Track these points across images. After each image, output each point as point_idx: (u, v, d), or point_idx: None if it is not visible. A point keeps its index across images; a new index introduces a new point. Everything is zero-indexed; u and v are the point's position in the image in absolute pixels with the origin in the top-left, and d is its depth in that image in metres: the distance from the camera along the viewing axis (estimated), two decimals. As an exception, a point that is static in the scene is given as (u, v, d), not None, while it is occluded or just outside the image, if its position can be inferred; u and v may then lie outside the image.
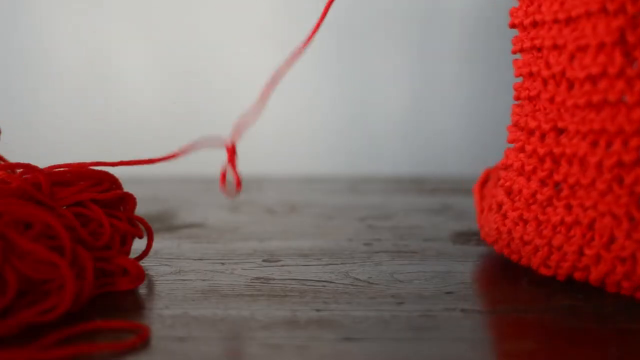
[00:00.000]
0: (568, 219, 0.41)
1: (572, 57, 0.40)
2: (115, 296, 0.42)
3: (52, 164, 0.45)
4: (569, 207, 0.41)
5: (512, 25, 0.44)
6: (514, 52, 0.45)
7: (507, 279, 0.44)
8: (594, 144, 0.39)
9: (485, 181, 0.51)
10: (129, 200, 0.45)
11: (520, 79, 0.45)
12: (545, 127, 0.42)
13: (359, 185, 0.69)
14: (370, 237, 0.52)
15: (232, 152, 0.43)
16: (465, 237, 0.52)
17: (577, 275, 0.41)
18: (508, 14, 0.45)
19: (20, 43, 0.77)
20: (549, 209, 0.42)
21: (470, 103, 0.76)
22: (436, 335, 0.37)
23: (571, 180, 0.41)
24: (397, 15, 0.75)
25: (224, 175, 0.43)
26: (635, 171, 0.38)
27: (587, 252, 0.40)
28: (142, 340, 0.36)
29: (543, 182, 0.42)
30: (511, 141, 0.45)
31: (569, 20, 0.40)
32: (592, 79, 0.39)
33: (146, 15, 0.76)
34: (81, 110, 0.78)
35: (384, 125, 0.77)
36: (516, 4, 0.45)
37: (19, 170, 0.42)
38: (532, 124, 0.43)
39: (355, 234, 0.53)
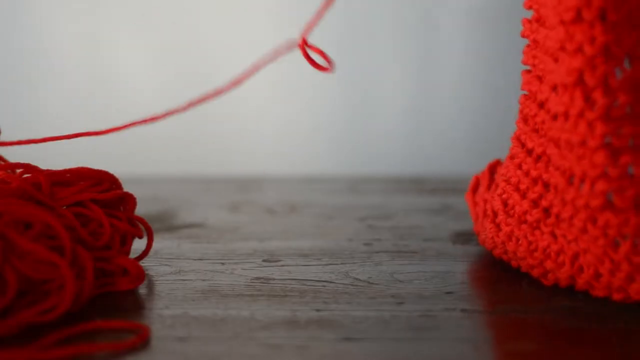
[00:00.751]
0: (554, 247, 0.40)
1: (553, 89, 0.39)
2: (115, 296, 0.42)
3: (52, 164, 0.45)
4: (554, 235, 0.40)
5: (524, 36, 0.43)
6: (525, 64, 0.43)
7: (507, 279, 0.44)
8: (569, 181, 0.38)
9: (475, 188, 0.50)
10: (129, 200, 0.45)
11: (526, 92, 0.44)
12: (538, 150, 0.41)
13: (359, 185, 0.69)
14: (370, 237, 0.52)
15: (304, 48, 0.44)
16: (465, 237, 0.52)
17: (577, 288, 0.41)
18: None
19: (20, 43, 0.77)
20: (537, 232, 0.41)
21: (470, 103, 0.76)
22: (436, 335, 0.37)
23: (555, 209, 0.40)
24: (397, 15, 0.75)
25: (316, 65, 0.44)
26: (604, 215, 0.37)
27: (579, 280, 0.40)
28: (142, 340, 0.36)
29: (534, 204, 0.41)
30: (512, 154, 0.44)
31: (549, 52, 0.39)
32: (564, 116, 0.38)
33: (147, 16, 0.76)
34: (81, 110, 0.78)
35: (384, 125, 0.77)
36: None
37: (19, 170, 0.42)
38: (530, 144, 0.42)
39: (355, 234, 0.53)
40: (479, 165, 0.54)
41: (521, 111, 0.43)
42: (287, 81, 0.76)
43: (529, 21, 0.42)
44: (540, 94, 0.41)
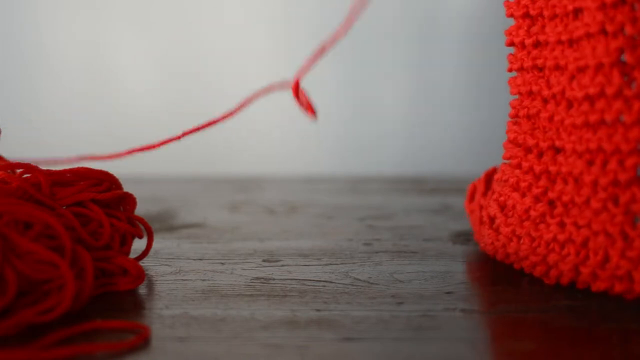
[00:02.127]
0: (561, 237, 0.41)
1: (572, 78, 0.40)
2: (115, 296, 0.42)
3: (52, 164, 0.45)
4: (562, 225, 0.41)
5: (510, 44, 0.45)
6: (511, 70, 0.45)
7: (507, 279, 0.44)
8: (590, 163, 0.40)
9: (472, 196, 0.51)
10: (129, 200, 0.45)
11: (516, 97, 0.45)
12: (543, 145, 0.42)
13: (359, 185, 0.69)
14: (370, 237, 0.52)
15: (296, 88, 0.45)
16: (465, 237, 0.52)
17: (579, 285, 0.41)
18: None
19: (20, 43, 0.77)
20: (542, 226, 0.42)
21: (470, 103, 0.76)
22: (436, 335, 0.37)
23: (565, 198, 0.41)
24: (397, 16, 0.75)
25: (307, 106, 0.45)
26: (631, 190, 0.38)
27: (583, 270, 0.40)
28: (142, 340, 0.36)
29: (537, 199, 0.42)
30: (508, 158, 0.45)
31: (571, 42, 0.41)
32: (590, 99, 0.39)
33: (147, 16, 0.76)
34: (81, 110, 0.78)
35: (384, 125, 0.77)
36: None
37: (19, 170, 0.42)
38: (530, 141, 0.43)
39: (355, 234, 0.53)
40: (479, 166, 0.54)
41: (514, 115, 0.45)
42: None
43: (519, 27, 0.44)
44: (547, 90, 0.42)
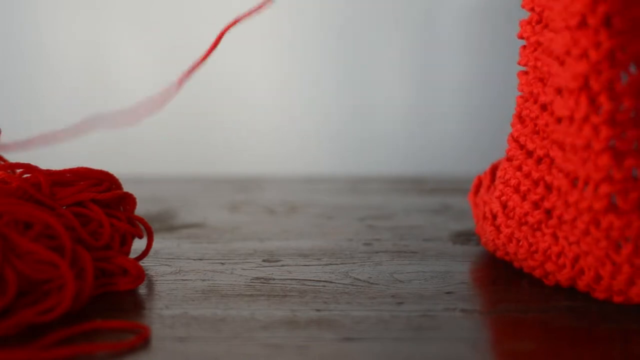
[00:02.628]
0: (555, 249, 0.40)
1: (558, 92, 0.39)
2: (115, 296, 0.42)
3: (52, 164, 0.45)
4: (555, 237, 0.40)
5: (521, 37, 0.43)
6: (520, 64, 0.43)
7: (507, 279, 0.44)
8: (574, 184, 0.39)
9: (477, 189, 0.50)
10: (129, 200, 0.45)
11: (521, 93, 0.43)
12: (540, 152, 0.41)
13: (359, 185, 0.69)
14: (370, 237, 0.52)
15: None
16: (465, 237, 0.52)
17: (578, 289, 0.41)
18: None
19: (20, 43, 0.77)
20: (538, 234, 0.41)
21: (470, 103, 0.76)
22: (436, 335, 0.37)
23: (557, 212, 0.40)
24: (397, 15, 0.75)
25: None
26: (608, 217, 0.37)
27: (579, 283, 0.40)
28: (142, 340, 0.36)
29: (535, 205, 0.42)
30: (509, 154, 0.44)
31: (554, 55, 0.39)
32: (568, 120, 0.38)
33: (147, 16, 0.76)
34: (81, 110, 0.78)
35: (384, 125, 0.77)
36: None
37: (19, 170, 0.42)
38: (531, 145, 0.42)
39: (355, 234, 0.53)
40: (479, 166, 0.54)
41: (518, 112, 0.43)
42: (287, 81, 0.76)
43: (529, 22, 0.42)
44: (543, 96, 0.41)
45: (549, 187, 0.41)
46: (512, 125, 0.44)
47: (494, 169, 0.50)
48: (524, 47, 0.43)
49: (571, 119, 0.38)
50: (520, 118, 0.43)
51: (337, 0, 0.75)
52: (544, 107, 0.41)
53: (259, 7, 0.45)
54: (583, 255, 0.39)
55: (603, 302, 0.40)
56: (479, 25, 0.74)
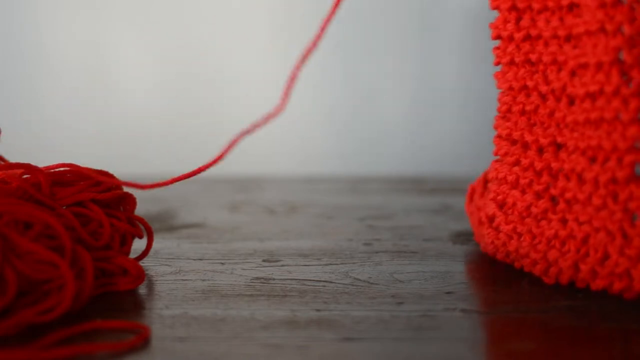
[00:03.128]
0: (562, 233, 0.41)
1: (572, 74, 0.41)
2: (115, 296, 0.42)
3: (52, 164, 0.45)
4: (564, 221, 0.41)
5: (497, 37, 0.44)
6: (498, 64, 0.45)
7: (507, 279, 0.44)
8: (592, 160, 0.40)
9: (472, 197, 0.51)
10: (129, 200, 0.45)
11: (501, 91, 0.44)
12: (544, 141, 0.42)
13: (359, 185, 0.69)
14: (370, 237, 0.52)
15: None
16: (465, 237, 0.52)
17: (578, 284, 0.41)
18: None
19: (20, 43, 0.77)
20: (543, 222, 0.42)
21: (470, 103, 0.76)
22: (436, 335, 0.37)
23: (568, 195, 0.41)
24: (397, 15, 0.75)
25: None
26: (629, 188, 0.38)
27: (582, 267, 0.40)
28: (142, 340, 0.36)
29: (539, 195, 0.42)
30: (499, 154, 0.45)
31: (569, 37, 0.41)
32: (591, 97, 0.40)
33: (147, 16, 0.76)
34: (81, 110, 0.78)
35: (384, 125, 0.77)
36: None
37: (19, 171, 0.42)
38: (529, 138, 0.43)
39: (355, 234, 0.53)
40: (479, 166, 0.54)
41: (504, 111, 0.44)
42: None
43: (505, 21, 0.43)
44: (544, 86, 0.42)
45: (554, 175, 0.42)
46: (496, 126, 0.45)
47: (485, 176, 0.50)
48: (500, 47, 0.44)
49: (599, 93, 0.39)
50: (505, 117, 0.44)
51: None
52: (545, 97, 0.42)
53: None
54: (593, 234, 0.40)
55: (603, 302, 0.40)
56: (478, 26, 0.74)
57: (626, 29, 0.38)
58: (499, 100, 0.45)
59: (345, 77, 0.77)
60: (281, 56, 0.77)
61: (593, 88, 0.39)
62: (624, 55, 0.38)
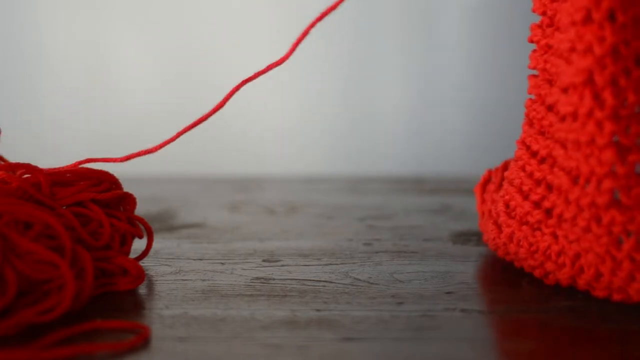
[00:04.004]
0: (555, 248, 0.40)
1: (563, 90, 0.40)
2: (115, 296, 0.42)
3: (52, 163, 0.45)
4: (555, 236, 0.40)
5: (531, 41, 0.43)
6: (530, 68, 0.43)
7: (507, 279, 0.44)
8: (575, 181, 0.39)
9: (486, 182, 0.50)
10: (129, 200, 0.45)
11: (532, 97, 0.44)
12: (543, 152, 0.42)
13: (359, 185, 0.69)
14: (370, 237, 0.52)
15: None
16: (465, 237, 0.52)
17: (578, 289, 0.41)
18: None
19: (20, 43, 0.77)
20: (538, 233, 0.41)
21: (471, 103, 0.76)
22: (436, 335, 0.37)
23: (558, 210, 0.40)
24: (399, 14, 0.75)
25: None
26: (610, 212, 0.37)
27: (579, 281, 0.40)
28: (142, 340, 0.36)
29: (536, 205, 0.42)
30: (516, 157, 0.44)
31: (562, 54, 0.40)
32: (571, 116, 0.39)
33: (147, 16, 0.76)
34: (81, 110, 0.78)
35: (384, 125, 0.77)
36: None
37: (19, 171, 0.42)
38: (535, 146, 0.42)
39: (355, 234, 0.53)
40: (479, 166, 0.54)
41: (527, 115, 0.44)
42: (287, 81, 0.76)
43: (539, 26, 0.42)
44: (549, 97, 0.41)
45: (549, 187, 0.41)
46: (523, 126, 0.44)
47: (505, 166, 0.50)
48: (535, 51, 0.43)
49: (575, 115, 0.38)
50: (530, 120, 0.44)
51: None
52: (549, 108, 0.42)
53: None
54: (583, 253, 0.39)
55: (603, 302, 0.40)
56: (479, 26, 0.74)
57: (596, 50, 0.37)
58: (525, 105, 0.44)
59: (345, 77, 0.77)
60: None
61: (570, 108, 0.38)
62: (594, 77, 0.37)
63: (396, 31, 0.75)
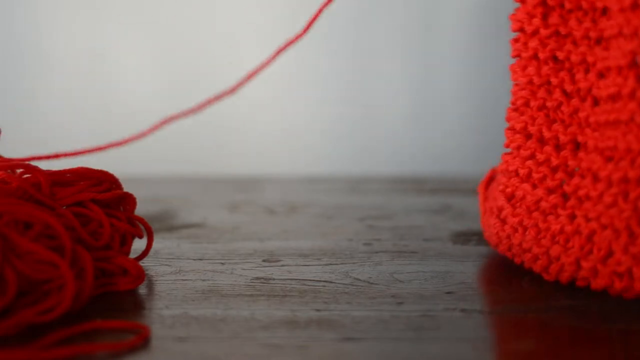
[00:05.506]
0: (568, 229, 0.41)
1: (600, 76, 0.41)
2: (115, 296, 0.42)
3: (52, 164, 0.45)
4: (572, 217, 0.41)
5: (519, 29, 0.44)
6: (516, 56, 0.44)
7: (507, 279, 0.44)
8: (609, 160, 0.40)
9: (490, 180, 0.51)
10: (129, 200, 0.45)
11: (516, 84, 0.45)
12: (564, 139, 0.42)
13: (359, 185, 0.69)
14: (370, 237, 0.52)
15: None
16: (465, 237, 0.52)
17: (578, 283, 0.41)
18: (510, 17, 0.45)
19: (19, 43, 0.77)
20: (551, 217, 0.42)
21: (470, 103, 0.76)
22: (436, 335, 0.37)
23: (581, 192, 0.41)
24: (399, 15, 0.75)
25: None
26: (639, 188, 0.38)
27: (584, 264, 0.40)
28: (142, 340, 0.36)
29: (550, 191, 0.43)
30: (511, 146, 0.45)
31: (600, 39, 0.41)
32: (611, 99, 0.40)
33: (147, 16, 0.76)
34: (81, 110, 0.78)
35: (384, 125, 0.77)
36: (516, 4, 0.45)
37: (19, 171, 0.42)
38: (547, 134, 0.43)
39: (355, 234, 0.53)
40: (479, 166, 0.54)
41: (522, 103, 0.44)
42: (287, 81, 0.76)
43: (531, 15, 0.43)
44: (569, 85, 0.42)
45: (569, 173, 0.42)
46: (509, 118, 0.45)
47: None
48: (521, 40, 0.44)
49: (617, 95, 0.39)
50: (518, 109, 0.44)
51: (337, 2, 0.75)
52: (569, 95, 0.42)
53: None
54: (599, 231, 0.40)
55: (603, 302, 0.40)
56: (479, 26, 0.74)
57: None
58: (514, 93, 0.45)
59: (345, 78, 0.77)
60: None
61: (612, 90, 0.40)
62: (639, 59, 0.39)
63: (396, 31, 0.75)
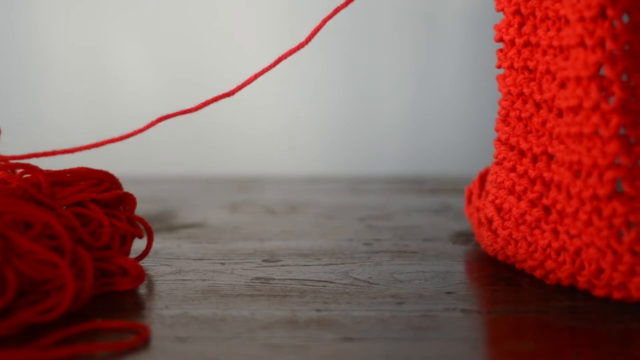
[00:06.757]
0: (555, 245, 0.41)
1: (562, 86, 0.40)
2: (115, 296, 0.42)
3: (52, 164, 0.45)
4: (556, 233, 0.41)
5: (499, 40, 0.44)
6: (499, 67, 0.44)
7: (507, 279, 0.44)
8: (577, 175, 0.39)
9: (469, 200, 0.50)
10: (129, 200, 0.45)
11: (503, 95, 0.44)
12: (537, 150, 0.42)
13: (359, 185, 0.69)
14: (370, 237, 0.52)
15: None
16: (465, 237, 0.52)
17: (579, 288, 0.41)
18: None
19: (19, 44, 0.77)
20: (537, 232, 0.42)
21: (470, 103, 0.76)
22: (436, 335, 0.37)
23: (559, 206, 0.40)
24: (398, 16, 0.75)
25: None
26: (611, 204, 0.38)
27: (580, 279, 0.40)
28: (142, 340, 0.36)
29: (533, 204, 0.42)
30: (501, 159, 0.44)
31: (562, 49, 0.40)
32: (572, 111, 0.39)
33: (147, 16, 0.76)
34: (81, 110, 0.78)
35: (384, 125, 0.77)
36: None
37: (19, 171, 0.42)
38: (524, 145, 0.43)
39: (355, 234, 0.53)
40: (479, 166, 0.54)
41: (504, 115, 0.44)
42: (287, 82, 0.76)
43: (509, 25, 0.43)
44: (539, 94, 0.41)
45: (547, 184, 0.41)
46: (497, 129, 0.45)
47: (481, 177, 0.50)
48: (502, 50, 0.44)
49: (579, 108, 0.39)
50: (505, 120, 0.44)
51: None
52: (539, 105, 0.42)
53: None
54: (584, 248, 0.39)
55: (603, 302, 0.40)
56: (479, 26, 0.74)
57: (608, 45, 0.37)
58: (499, 103, 0.44)
59: (345, 77, 0.77)
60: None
61: (572, 102, 0.39)
62: (605, 71, 0.37)
63: (396, 31, 0.75)
